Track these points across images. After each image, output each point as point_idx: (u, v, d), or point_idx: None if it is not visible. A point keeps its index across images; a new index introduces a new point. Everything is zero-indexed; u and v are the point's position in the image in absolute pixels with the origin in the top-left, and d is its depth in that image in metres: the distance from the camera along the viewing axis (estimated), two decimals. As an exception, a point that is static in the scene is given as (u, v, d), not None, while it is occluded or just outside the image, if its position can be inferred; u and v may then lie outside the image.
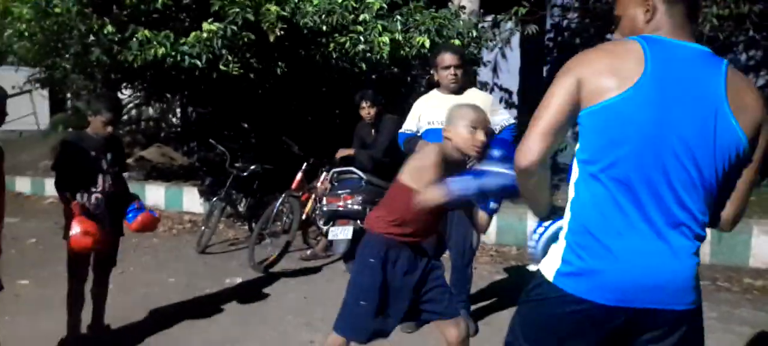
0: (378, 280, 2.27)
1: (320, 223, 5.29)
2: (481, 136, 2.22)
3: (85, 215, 3.03)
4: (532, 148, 1.36)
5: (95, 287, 3.42)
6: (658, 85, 1.29)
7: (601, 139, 1.32)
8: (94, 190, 3.17)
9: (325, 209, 4.98)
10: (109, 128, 3.17)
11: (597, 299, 1.33)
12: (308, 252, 5.37)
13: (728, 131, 1.33)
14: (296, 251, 5.29)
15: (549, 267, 1.42)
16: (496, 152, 2.03)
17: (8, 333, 3.31)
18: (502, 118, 3.61)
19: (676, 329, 1.37)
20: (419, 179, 2.18)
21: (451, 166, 2.21)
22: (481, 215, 2.31)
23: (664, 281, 1.33)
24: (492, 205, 2.18)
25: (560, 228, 1.49)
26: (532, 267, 1.66)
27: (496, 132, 3.40)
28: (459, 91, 3.50)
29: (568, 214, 1.42)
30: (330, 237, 4.71)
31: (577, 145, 1.39)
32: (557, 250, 1.42)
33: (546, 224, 1.57)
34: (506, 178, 1.92)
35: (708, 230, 4.57)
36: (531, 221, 5.18)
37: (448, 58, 3.45)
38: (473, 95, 3.51)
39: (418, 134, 3.60)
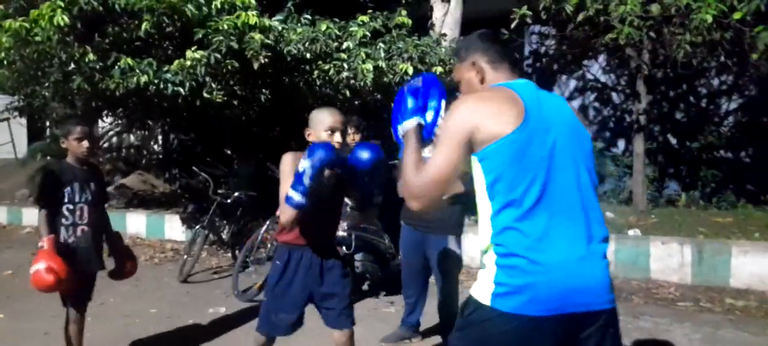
0: (279, 279, 2.58)
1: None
2: (337, 137, 2.46)
3: (62, 251, 2.93)
4: (429, 195, 1.52)
5: (73, 325, 3.24)
6: (539, 117, 1.51)
7: (508, 172, 1.47)
8: (80, 222, 3.09)
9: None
10: (85, 143, 3.09)
11: (534, 313, 1.43)
12: (293, 279, 5.32)
13: (588, 141, 1.61)
14: (280, 279, 5.23)
15: (483, 292, 1.51)
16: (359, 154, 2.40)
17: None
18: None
19: (605, 327, 1.51)
20: (280, 190, 2.43)
21: None
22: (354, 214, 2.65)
23: (589, 284, 1.47)
24: (297, 200, 2.33)
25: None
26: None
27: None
28: None
29: (490, 246, 1.52)
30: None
31: (484, 182, 1.51)
32: (488, 275, 1.51)
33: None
34: (314, 165, 2.26)
35: (690, 252, 4.61)
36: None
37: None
38: None
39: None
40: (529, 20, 5.82)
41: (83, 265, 3.08)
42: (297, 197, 2.30)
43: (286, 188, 2.36)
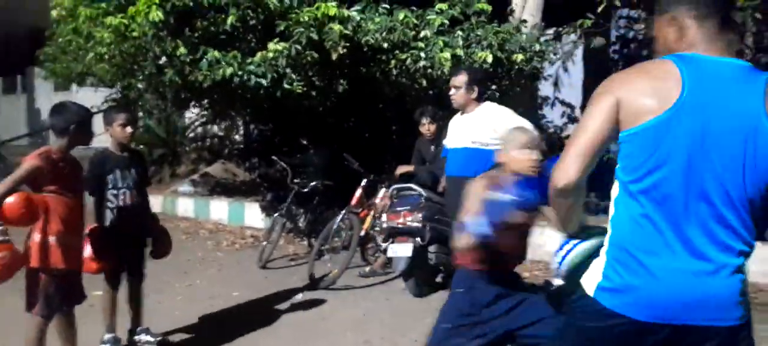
0: (462, 309, 2.39)
1: (379, 239, 5.27)
2: (535, 155, 2.34)
3: (107, 235, 3.30)
4: (569, 169, 1.40)
5: (130, 296, 3.60)
6: (696, 105, 1.31)
7: (641, 159, 1.34)
8: (123, 205, 3.37)
9: (384, 225, 4.97)
10: (129, 129, 3.36)
11: (634, 315, 1.37)
12: (367, 269, 5.36)
13: (755, 144, 1.33)
14: (355, 268, 5.30)
15: (590, 281, 1.46)
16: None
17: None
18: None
19: (723, 342, 1.39)
20: (464, 216, 2.29)
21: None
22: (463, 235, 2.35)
23: (705, 298, 1.35)
24: (482, 229, 2.15)
25: (588, 249, 1.59)
26: (556, 282, 1.72)
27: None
28: (464, 109, 3.89)
29: (609, 229, 1.45)
30: (389, 254, 4.68)
31: (619, 164, 1.42)
32: (598, 265, 1.46)
33: (573, 243, 1.65)
34: (513, 203, 2.10)
35: None
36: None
37: (451, 80, 3.94)
38: (486, 110, 3.90)
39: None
40: (617, 3, 5.48)
41: (127, 244, 3.41)
42: (483, 228, 2.11)
43: (468, 211, 2.25)
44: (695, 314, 1.36)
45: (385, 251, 4.91)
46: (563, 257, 1.66)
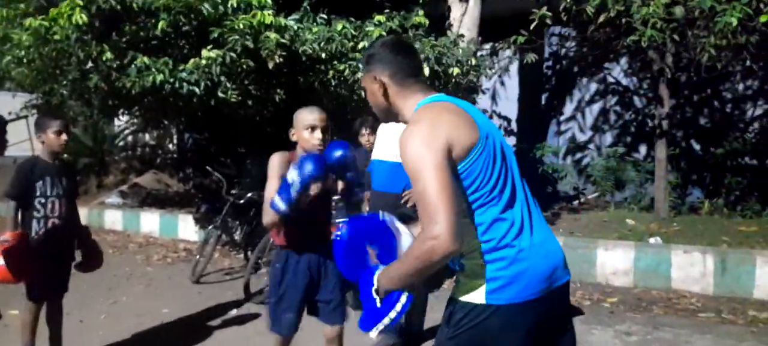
0: (280, 282, 2.68)
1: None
2: (318, 134, 2.54)
3: (31, 245, 3.05)
4: (457, 235, 1.35)
5: (49, 314, 3.38)
6: (484, 124, 1.56)
7: (484, 175, 1.51)
8: (51, 216, 3.19)
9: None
10: (63, 137, 3.19)
11: (528, 297, 1.50)
12: (305, 281, 5.27)
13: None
14: (293, 281, 5.19)
15: (474, 293, 1.52)
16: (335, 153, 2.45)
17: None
18: None
19: (565, 296, 1.64)
20: (267, 194, 2.48)
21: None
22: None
23: (557, 260, 1.59)
24: (279, 206, 2.38)
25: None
26: (373, 335, 1.58)
27: None
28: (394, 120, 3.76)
29: (475, 247, 1.52)
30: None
31: (466, 189, 1.52)
32: (476, 275, 1.52)
33: (405, 297, 1.54)
34: (303, 173, 2.30)
35: (712, 262, 4.50)
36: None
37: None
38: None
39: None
40: (548, 21, 5.70)
41: (53, 257, 3.19)
42: (281, 205, 2.36)
43: (272, 190, 2.44)
44: (558, 274, 1.58)
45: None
46: (390, 326, 1.55)
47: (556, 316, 1.62)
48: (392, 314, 1.54)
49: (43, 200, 3.17)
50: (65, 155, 3.61)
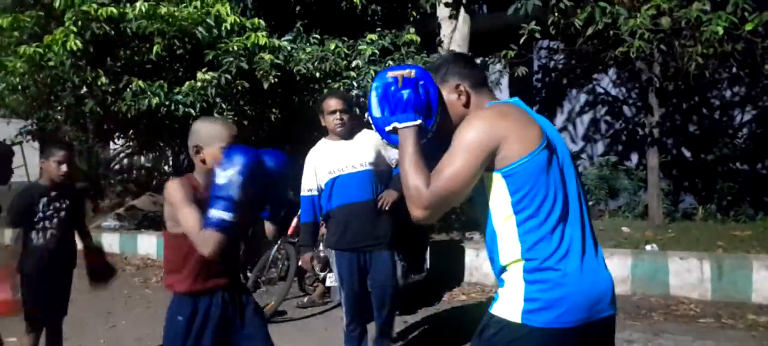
0: (184, 338, 2.08)
1: (317, 269, 5.20)
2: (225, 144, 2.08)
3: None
4: (430, 209, 1.48)
5: (48, 340, 3.40)
6: (547, 132, 1.54)
7: (536, 186, 1.47)
8: (49, 227, 3.24)
9: (321, 254, 4.91)
10: (64, 168, 3.23)
11: (565, 324, 1.45)
12: (305, 299, 5.26)
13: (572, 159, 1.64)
14: (293, 298, 5.19)
15: (511, 310, 1.49)
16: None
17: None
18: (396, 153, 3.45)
19: (609, 331, 1.58)
20: (189, 224, 1.96)
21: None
22: (266, 225, 2.27)
23: (605, 291, 1.53)
24: (221, 216, 1.88)
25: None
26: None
27: (393, 166, 3.38)
28: (348, 135, 3.36)
29: (518, 262, 1.50)
30: (328, 283, 4.63)
31: (503, 199, 1.50)
32: (515, 292, 1.49)
33: None
34: (237, 175, 1.87)
35: (709, 267, 4.52)
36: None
37: (333, 103, 3.34)
38: (365, 136, 3.40)
39: (321, 188, 3.40)
40: (537, 36, 5.80)
41: (49, 279, 3.23)
42: (225, 214, 1.85)
43: (192, 216, 1.94)
44: (600, 307, 1.52)
45: (323, 281, 4.85)
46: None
47: None
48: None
49: (39, 224, 3.22)
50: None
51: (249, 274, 5.47)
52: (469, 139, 1.49)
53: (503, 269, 1.53)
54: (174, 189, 2.01)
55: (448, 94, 1.65)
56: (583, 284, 1.48)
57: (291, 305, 5.09)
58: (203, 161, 2.09)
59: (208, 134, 2.09)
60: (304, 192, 3.47)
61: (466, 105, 1.64)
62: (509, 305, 1.50)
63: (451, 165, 1.47)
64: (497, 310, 1.53)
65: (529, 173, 1.48)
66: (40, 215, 3.22)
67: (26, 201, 3.21)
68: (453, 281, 5.56)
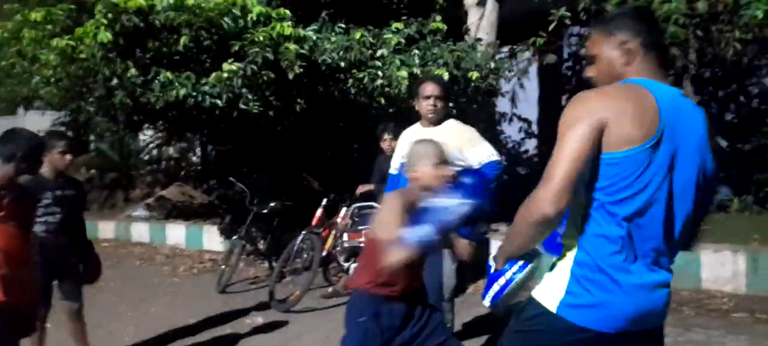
0: (370, 340, 2.20)
1: (341, 259, 5.22)
2: (447, 170, 2.22)
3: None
4: (559, 199, 1.34)
5: (69, 324, 3.51)
6: (670, 136, 1.38)
7: (625, 183, 1.36)
8: (52, 220, 3.34)
9: (346, 245, 4.93)
10: (68, 157, 3.36)
11: (603, 329, 1.39)
12: (329, 290, 5.29)
13: (712, 171, 1.49)
14: (317, 289, 5.22)
15: (549, 297, 1.44)
16: (465, 181, 2.14)
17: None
18: (482, 153, 3.35)
19: (658, 341, 1.53)
20: (388, 233, 2.10)
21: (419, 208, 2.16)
22: (461, 242, 2.34)
23: (656, 307, 1.45)
24: (425, 236, 2.02)
25: (522, 280, 1.59)
26: (486, 303, 1.65)
27: (474, 167, 3.26)
28: (438, 122, 3.37)
29: (573, 248, 1.43)
30: (352, 274, 4.63)
31: (597, 185, 1.39)
32: (560, 280, 1.43)
33: (506, 277, 1.61)
34: (462, 207, 2.00)
35: (743, 260, 4.38)
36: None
37: (429, 88, 3.36)
38: (451, 127, 3.40)
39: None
40: (567, 22, 5.67)
41: (54, 260, 3.30)
42: (431, 233, 1.99)
43: (392, 229, 2.06)
44: (647, 321, 1.44)
45: (347, 271, 4.86)
46: (498, 294, 1.61)
47: None
48: (501, 281, 1.60)
49: (44, 209, 3.31)
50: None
51: (274, 264, 5.53)
52: (576, 115, 1.37)
53: (559, 246, 1.47)
54: (391, 201, 2.21)
55: (610, 50, 1.47)
56: (634, 298, 1.39)
57: (315, 296, 5.12)
58: (416, 179, 2.25)
59: (414, 153, 2.28)
60: (392, 170, 3.61)
61: (627, 64, 1.46)
62: (550, 292, 1.44)
63: (559, 151, 1.36)
64: (537, 293, 1.47)
65: (625, 167, 1.36)
66: (44, 207, 3.30)
67: (36, 190, 3.25)
68: (478, 272, 5.51)
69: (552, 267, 1.50)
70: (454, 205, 2.02)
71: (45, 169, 3.34)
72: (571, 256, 1.44)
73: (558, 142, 1.39)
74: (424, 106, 3.35)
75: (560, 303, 1.41)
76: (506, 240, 1.54)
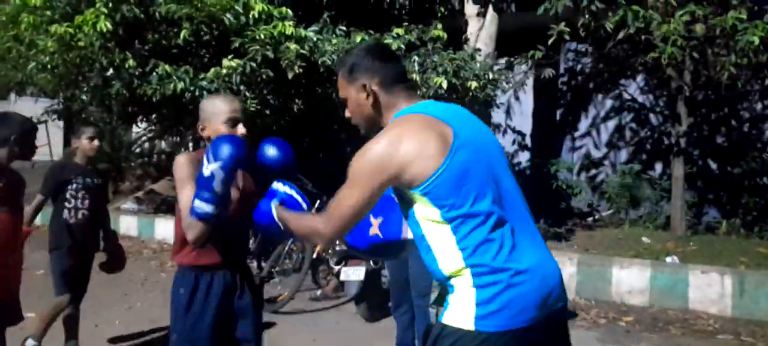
0: (186, 310, 2.08)
1: (332, 262, 5.20)
2: (241, 129, 2.08)
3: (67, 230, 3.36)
4: (334, 233, 1.55)
5: (66, 316, 3.50)
6: (464, 132, 1.46)
7: (455, 193, 1.41)
8: (81, 207, 3.41)
9: (337, 248, 4.91)
10: (96, 142, 3.46)
11: (521, 324, 1.40)
12: (318, 292, 5.26)
13: (501, 148, 1.60)
14: (306, 291, 5.19)
15: (462, 317, 1.42)
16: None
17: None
18: None
19: (562, 325, 1.54)
20: (181, 203, 1.99)
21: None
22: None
23: (555, 284, 1.47)
24: (203, 209, 1.89)
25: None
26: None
27: None
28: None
29: (464, 269, 1.43)
30: (342, 278, 4.62)
31: (434, 209, 1.43)
32: (465, 298, 1.42)
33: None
34: (228, 141, 1.90)
35: (730, 283, 4.41)
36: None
37: None
38: None
39: None
40: (566, 37, 5.71)
41: (81, 244, 3.41)
42: (206, 206, 1.88)
43: (188, 197, 1.95)
44: (554, 299, 1.47)
45: (337, 275, 4.84)
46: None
47: (553, 344, 1.52)
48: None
49: (74, 193, 3.40)
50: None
51: (263, 264, 5.49)
52: (366, 165, 1.45)
53: (448, 278, 1.47)
54: (180, 164, 2.04)
55: (356, 94, 1.56)
56: (534, 280, 1.42)
57: (304, 298, 5.09)
58: (209, 139, 2.08)
59: (211, 111, 2.10)
60: None
61: (375, 105, 1.55)
62: (461, 313, 1.43)
63: (349, 194, 1.47)
64: (449, 319, 1.45)
65: (450, 180, 1.41)
66: (73, 192, 3.37)
67: (63, 176, 3.39)
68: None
69: (450, 290, 1.47)
70: (216, 167, 1.87)
71: (75, 157, 3.48)
72: (467, 275, 1.43)
73: (349, 187, 1.49)
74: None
75: (475, 318, 1.41)
76: (290, 222, 1.73)
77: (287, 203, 1.83)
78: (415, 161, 1.41)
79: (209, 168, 1.87)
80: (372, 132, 1.59)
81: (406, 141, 1.43)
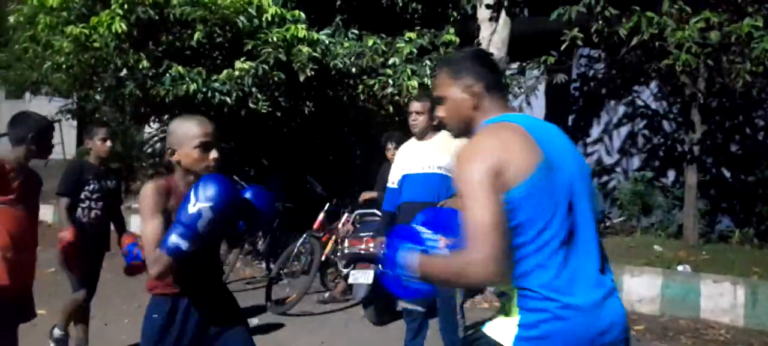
0: (160, 335, 2.01)
1: (340, 265, 5.21)
2: (214, 154, 1.97)
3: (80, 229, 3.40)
4: (490, 259, 1.31)
5: (76, 314, 3.60)
6: (550, 151, 1.43)
7: (527, 213, 1.37)
8: (95, 207, 3.51)
9: (346, 251, 4.92)
10: (108, 143, 3.56)
11: None
12: (326, 295, 5.27)
13: (589, 172, 1.56)
14: (314, 293, 5.20)
15: (503, 334, 1.41)
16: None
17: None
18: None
19: None
20: (142, 233, 1.90)
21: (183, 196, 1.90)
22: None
23: (614, 321, 1.43)
24: (175, 244, 1.81)
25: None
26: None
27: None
28: (423, 135, 3.62)
29: (513, 289, 1.42)
30: (350, 281, 4.63)
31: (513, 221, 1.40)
32: (510, 316, 1.42)
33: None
34: (218, 183, 1.81)
35: (743, 293, 4.38)
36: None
37: (412, 105, 3.67)
38: (442, 138, 3.57)
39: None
40: (579, 43, 5.68)
41: (92, 243, 3.49)
42: (182, 243, 1.78)
43: (154, 230, 1.86)
44: (610, 336, 1.42)
45: (346, 277, 4.85)
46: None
47: None
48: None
49: (89, 194, 3.48)
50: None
51: (272, 265, 5.51)
52: (473, 172, 1.38)
53: (499, 294, 1.48)
54: (145, 196, 1.92)
55: (459, 93, 1.55)
56: (586, 316, 1.38)
57: (312, 300, 5.10)
58: (178, 163, 1.99)
59: (182, 134, 1.96)
60: (389, 183, 3.73)
61: (474, 107, 1.55)
62: (503, 328, 1.42)
63: (477, 212, 1.34)
64: (490, 330, 1.45)
65: (526, 199, 1.38)
66: (88, 193, 3.45)
67: (79, 176, 3.46)
68: (475, 289, 5.50)
69: (503, 306, 1.48)
70: (206, 208, 1.77)
71: (89, 157, 3.58)
72: (515, 294, 1.42)
73: (470, 200, 1.37)
74: (410, 120, 3.63)
75: (515, 338, 1.39)
76: (432, 272, 1.46)
77: (423, 246, 1.59)
78: (509, 166, 1.38)
79: (197, 206, 1.79)
80: (462, 134, 1.61)
81: (501, 141, 1.42)
